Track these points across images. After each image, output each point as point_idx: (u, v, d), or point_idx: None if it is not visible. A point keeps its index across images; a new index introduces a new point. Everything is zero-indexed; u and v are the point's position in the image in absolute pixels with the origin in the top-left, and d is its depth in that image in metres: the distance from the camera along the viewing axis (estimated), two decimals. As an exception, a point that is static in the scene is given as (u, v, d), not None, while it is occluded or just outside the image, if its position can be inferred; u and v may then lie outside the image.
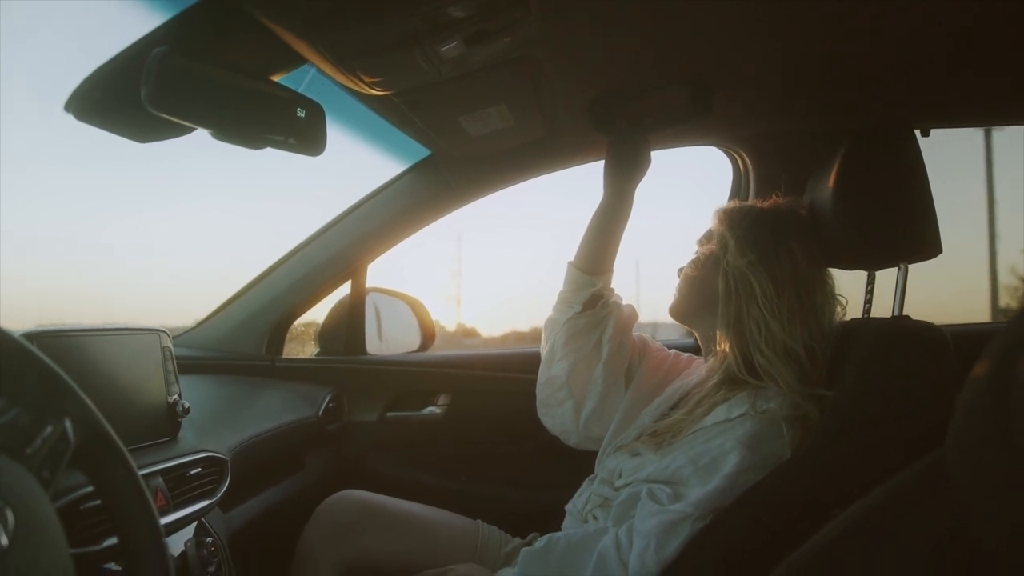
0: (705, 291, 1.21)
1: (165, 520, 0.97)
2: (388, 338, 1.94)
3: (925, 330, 1.02)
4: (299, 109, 1.00)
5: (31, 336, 0.88)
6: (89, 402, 0.66)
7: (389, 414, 1.79)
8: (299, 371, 1.80)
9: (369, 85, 1.00)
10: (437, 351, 1.99)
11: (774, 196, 1.22)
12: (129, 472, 0.69)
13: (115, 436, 0.69)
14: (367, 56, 0.90)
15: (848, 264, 1.18)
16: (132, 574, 0.69)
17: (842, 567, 0.71)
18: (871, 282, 1.23)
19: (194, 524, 1.10)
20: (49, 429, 0.62)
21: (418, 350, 1.96)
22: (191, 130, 0.96)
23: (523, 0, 0.88)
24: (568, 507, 1.26)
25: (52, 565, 0.54)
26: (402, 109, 1.19)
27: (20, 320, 0.93)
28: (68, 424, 0.64)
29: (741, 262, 1.13)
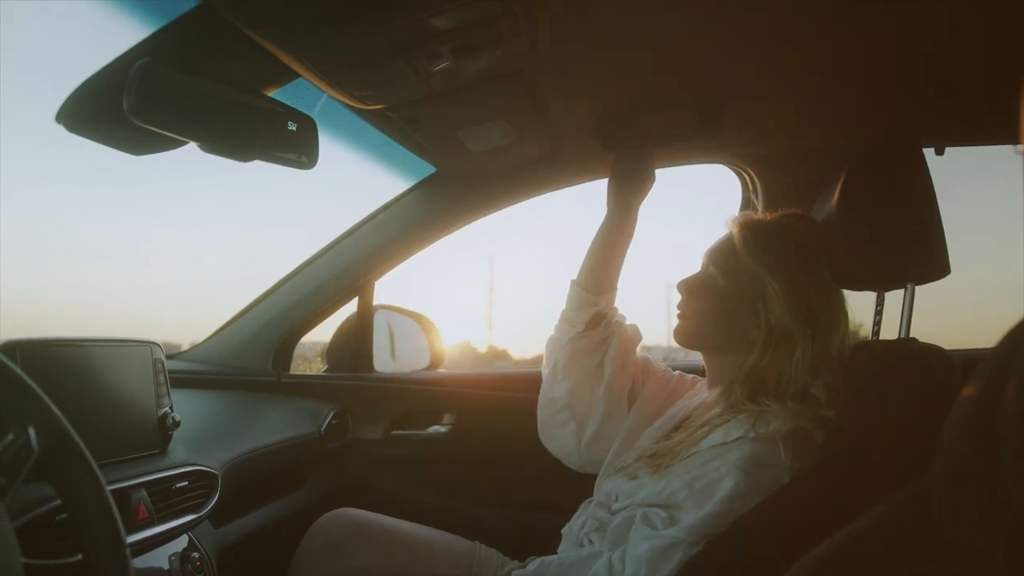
0: (730, 329, 1.15)
1: (146, 533, 0.97)
2: (397, 356, 1.94)
3: (930, 353, 0.98)
4: (290, 123, 1.00)
5: (14, 345, 0.88)
6: (56, 411, 0.66)
7: (394, 432, 1.78)
8: (305, 387, 1.79)
9: (360, 98, 1.00)
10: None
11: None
12: (95, 484, 0.68)
13: (82, 446, 0.68)
14: (353, 68, 0.90)
15: (855, 285, 1.14)
16: None
17: None
18: (880, 303, 1.19)
19: (185, 538, 1.09)
20: (11, 436, 0.62)
21: (427, 369, 1.95)
22: (183, 143, 0.96)
23: (511, 13, 0.87)
24: (564, 530, 1.23)
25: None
26: (401, 124, 1.19)
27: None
28: (32, 432, 0.63)
29: (793, 325, 1.07)
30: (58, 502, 0.82)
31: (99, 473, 0.69)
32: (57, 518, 0.82)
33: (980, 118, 1.34)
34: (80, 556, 0.82)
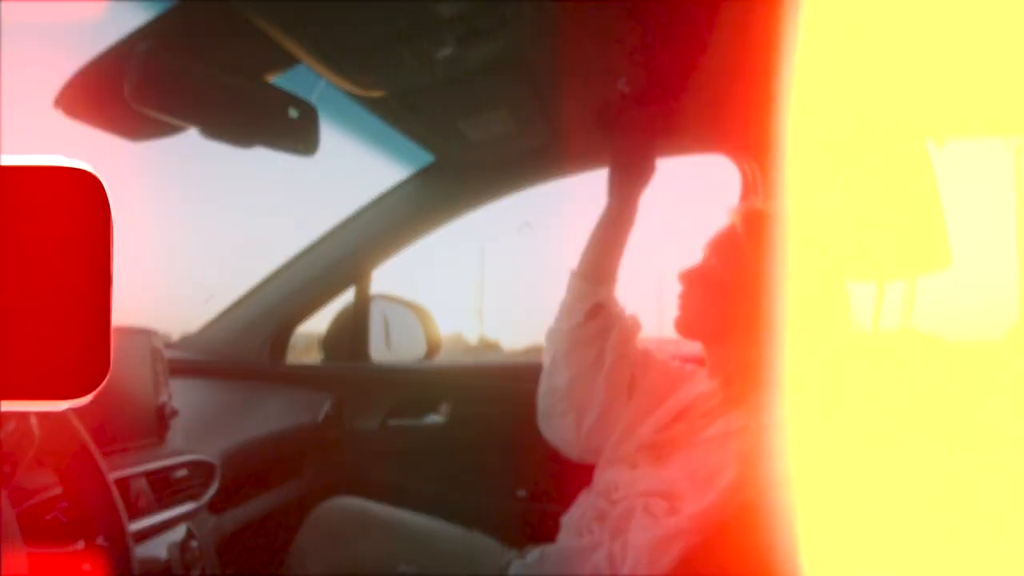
0: (731, 321, 1.14)
1: (145, 523, 0.96)
2: (393, 346, 1.93)
3: (930, 344, 0.98)
4: (291, 109, 0.99)
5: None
6: None
7: (391, 422, 1.77)
8: (301, 377, 1.79)
9: (361, 85, 0.99)
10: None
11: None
12: (96, 472, 0.68)
13: (85, 434, 0.67)
14: (355, 55, 0.89)
15: (857, 276, 1.14)
16: None
17: None
18: (881, 295, 1.19)
19: (184, 527, 1.09)
20: (12, 424, 0.61)
21: (423, 358, 1.95)
22: (182, 128, 0.95)
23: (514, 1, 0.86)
24: (564, 520, 1.23)
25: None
26: (400, 112, 1.18)
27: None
28: (33, 420, 0.63)
29: (795, 317, 1.07)
30: (59, 490, 0.81)
31: (102, 462, 0.68)
32: (58, 506, 0.81)
33: (979, 111, 1.34)
34: (81, 544, 0.82)
